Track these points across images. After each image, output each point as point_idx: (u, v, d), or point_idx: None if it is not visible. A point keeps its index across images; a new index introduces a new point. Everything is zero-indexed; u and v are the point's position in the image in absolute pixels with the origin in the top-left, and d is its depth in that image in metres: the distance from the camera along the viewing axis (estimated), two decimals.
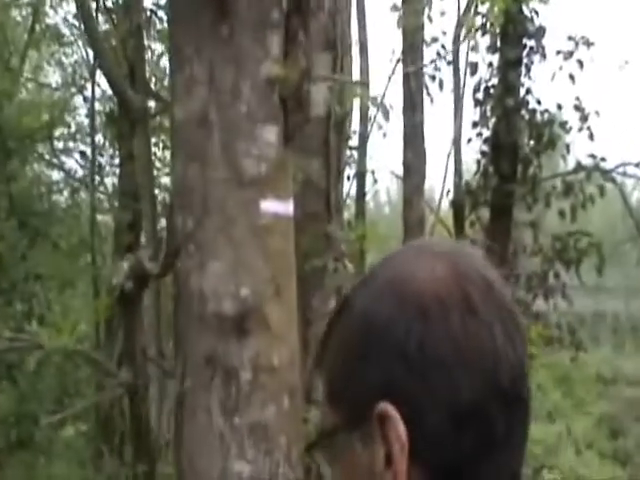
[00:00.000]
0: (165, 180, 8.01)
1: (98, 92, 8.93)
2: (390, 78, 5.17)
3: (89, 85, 8.95)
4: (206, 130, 2.07)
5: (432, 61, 8.32)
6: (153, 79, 7.94)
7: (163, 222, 4.86)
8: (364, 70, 8.80)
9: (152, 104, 5.06)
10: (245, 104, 2.07)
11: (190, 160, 2.08)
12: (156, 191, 6.99)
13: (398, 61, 6.47)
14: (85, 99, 9.92)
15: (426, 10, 6.21)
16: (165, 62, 7.63)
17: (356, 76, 7.27)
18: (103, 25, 7.42)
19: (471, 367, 0.89)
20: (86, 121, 9.97)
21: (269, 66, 2.11)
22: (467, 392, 0.88)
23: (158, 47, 7.90)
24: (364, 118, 8.79)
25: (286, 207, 2.09)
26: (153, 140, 7.31)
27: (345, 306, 0.98)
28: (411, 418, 0.88)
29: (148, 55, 7.58)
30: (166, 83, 6.87)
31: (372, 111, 8.10)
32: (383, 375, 0.90)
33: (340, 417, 0.94)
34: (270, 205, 2.05)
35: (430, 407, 0.88)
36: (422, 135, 8.78)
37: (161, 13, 6.63)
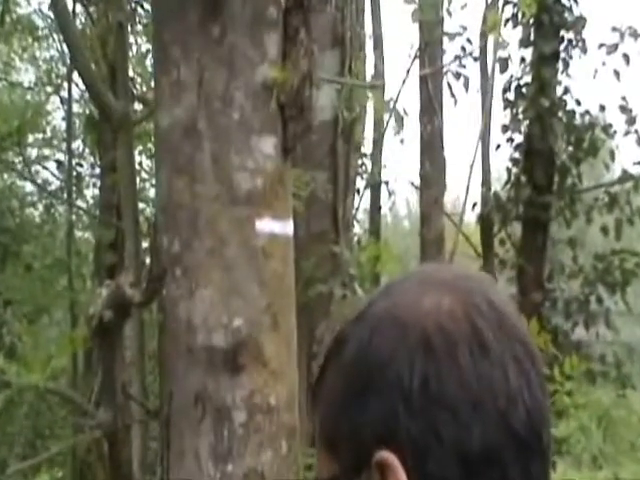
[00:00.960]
0: (152, 192, 8.04)
1: (76, 92, 9.01)
2: (405, 80, 5.20)
3: (66, 84, 9.02)
4: (194, 140, 2.10)
5: (456, 57, 8.37)
6: (138, 79, 8.01)
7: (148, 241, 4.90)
8: (379, 68, 8.85)
9: (137, 105, 5.12)
10: (238, 111, 2.11)
11: (176, 173, 2.11)
12: (141, 205, 7.04)
13: (414, 59, 6.51)
14: (62, 100, 10.00)
15: (445, 3, 6.24)
16: (152, 60, 7.71)
17: (370, 75, 7.32)
18: (81, 18, 7.50)
19: (482, 409, 0.90)
20: (63, 125, 10.06)
21: (265, 69, 2.16)
22: (477, 437, 0.90)
23: (144, 42, 7.98)
24: (378, 123, 8.82)
25: (285, 226, 2.13)
26: (139, 147, 7.37)
27: (340, 340, 0.99)
28: (414, 465, 0.89)
29: (133, 51, 7.65)
30: (153, 83, 6.93)
31: (388, 115, 8.14)
32: (383, 416, 0.92)
33: (338, 464, 0.96)
34: (267, 224, 2.09)
35: (436, 453, 0.89)
36: (441, 142, 8.80)
37: (147, 5, 6.70)
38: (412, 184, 10.42)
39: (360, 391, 0.94)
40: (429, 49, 7.87)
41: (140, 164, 8.07)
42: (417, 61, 7.64)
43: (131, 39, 7.08)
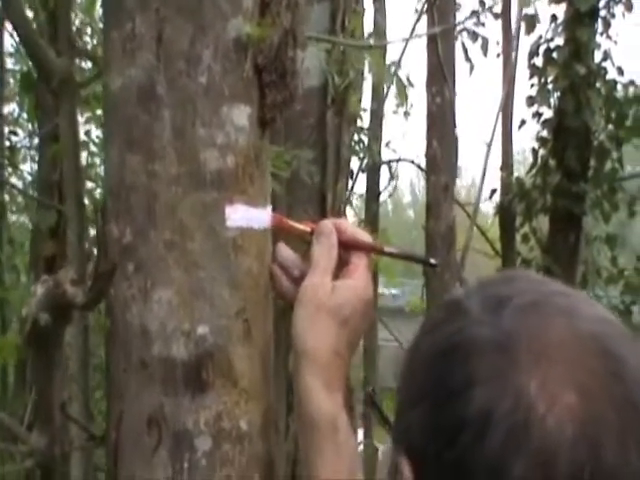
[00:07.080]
0: (101, 170, 8.00)
1: (10, 44, 8.98)
2: (408, 39, 5.18)
3: None
4: (152, 108, 2.09)
5: (473, 13, 8.39)
6: (86, 29, 7.97)
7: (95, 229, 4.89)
8: (380, 23, 8.86)
9: (83, 62, 5.08)
10: (206, 74, 2.10)
11: (129, 148, 2.10)
12: (90, 184, 7.03)
13: (421, 14, 6.51)
14: None
15: None
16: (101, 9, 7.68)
17: (368, 33, 7.31)
18: None
19: None
20: None
21: (239, 23, 2.14)
22: None
23: None
24: (378, 91, 8.82)
25: (261, 214, 2.13)
26: (87, 114, 7.35)
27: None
28: None
29: None
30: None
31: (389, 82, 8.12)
32: None
33: None
34: (239, 212, 2.08)
35: None
36: (452, 117, 8.74)
37: None
38: (417, 165, 10.44)
39: None
40: (440, 2, 7.85)
41: (87, 134, 8.04)
42: (425, 17, 7.64)
43: None
